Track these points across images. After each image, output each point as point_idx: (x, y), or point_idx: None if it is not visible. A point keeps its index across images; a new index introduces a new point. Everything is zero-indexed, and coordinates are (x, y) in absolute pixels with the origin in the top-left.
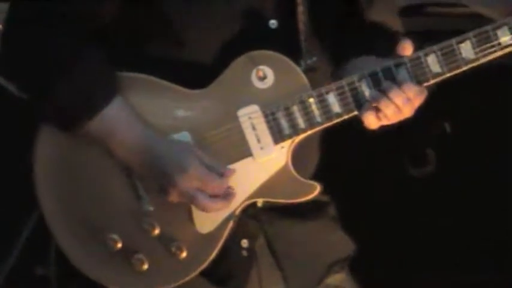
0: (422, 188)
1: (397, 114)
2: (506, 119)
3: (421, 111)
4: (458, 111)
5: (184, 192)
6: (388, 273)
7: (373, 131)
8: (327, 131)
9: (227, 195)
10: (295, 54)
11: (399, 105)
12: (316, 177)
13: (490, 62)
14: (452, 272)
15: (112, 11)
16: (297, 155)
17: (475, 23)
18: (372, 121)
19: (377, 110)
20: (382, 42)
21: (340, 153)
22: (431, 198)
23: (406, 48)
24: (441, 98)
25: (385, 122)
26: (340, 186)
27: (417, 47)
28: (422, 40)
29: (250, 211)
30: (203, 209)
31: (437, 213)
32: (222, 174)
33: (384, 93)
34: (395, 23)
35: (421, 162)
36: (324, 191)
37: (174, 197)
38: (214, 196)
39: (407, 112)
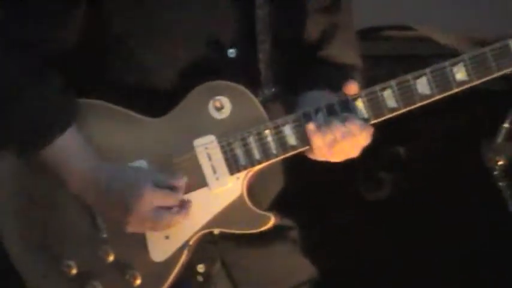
0: (381, 212)
1: (341, 150)
2: (463, 142)
3: (375, 136)
4: (413, 135)
5: (143, 216)
6: None
7: None
8: (292, 157)
9: (184, 205)
10: (254, 84)
11: (337, 138)
12: (278, 203)
13: None
14: None
15: (70, 39)
16: (258, 182)
17: (426, 47)
18: (317, 149)
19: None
20: (337, 77)
21: (300, 180)
22: (391, 222)
23: (351, 89)
24: (396, 122)
25: (330, 157)
26: (302, 211)
27: (368, 72)
28: (374, 64)
29: (208, 237)
30: (166, 225)
31: (397, 236)
32: (174, 187)
33: (328, 123)
34: (350, 55)
35: (376, 187)
36: (286, 216)
37: (133, 227)
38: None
39: (352, 151)
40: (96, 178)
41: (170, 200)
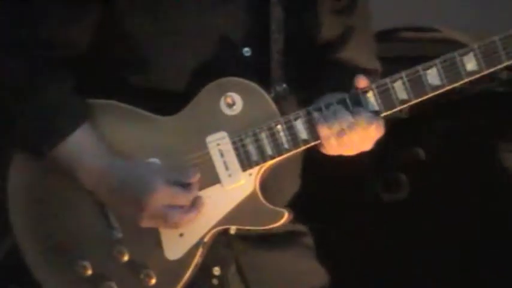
0: (398, 214)
1: (350, 143)
2: (481, 144)
3: (394, 137)
4: (432, 136)
5: (155, 212)
6: None
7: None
8: (307, 159)
9: (196, 204)
10: (266, 81)
11: (344, 128)
12: (294, 206)
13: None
14: None
15: (81, 40)
16: (273, 183)
17: (447, 48)
18: (325, 140)
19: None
20: (348, 81)
21: (315, 182)
22: (407, 224)
23: (360, 83)
24: (414, 124)
25: (341, 150)
26: (317, 216)
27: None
28: (395, 67)
29: (223, 239)
30: (177, 223)
31: (413, 239)
32: (187, 185)
33: (335, 113)
34: (365, 59)
35: (393, 188)
36: (300, 221)
37: (146, 222)
38: (183, 207)
39: (363, 143)
40: (109, 174)
41: (181, 198)
